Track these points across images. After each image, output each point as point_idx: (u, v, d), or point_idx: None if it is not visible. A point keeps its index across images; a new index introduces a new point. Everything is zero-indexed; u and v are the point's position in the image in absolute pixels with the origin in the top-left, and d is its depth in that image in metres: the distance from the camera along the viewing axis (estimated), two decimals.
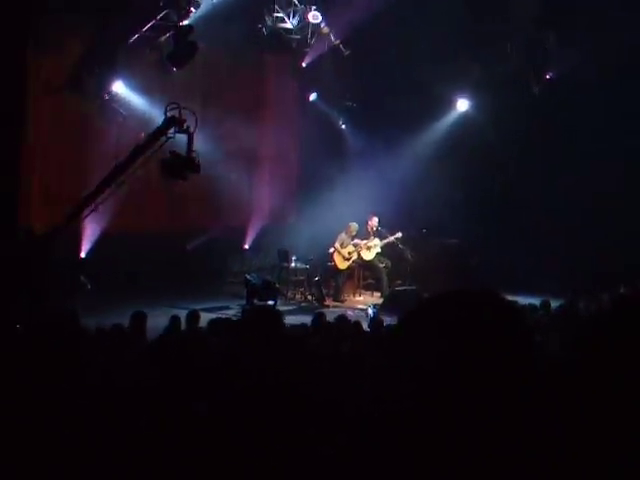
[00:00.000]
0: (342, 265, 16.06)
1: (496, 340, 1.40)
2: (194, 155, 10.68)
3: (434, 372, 1.38)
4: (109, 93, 15.40)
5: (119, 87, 15.49)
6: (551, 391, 1.42)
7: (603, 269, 14.10)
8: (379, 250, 16.19)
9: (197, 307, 9.95)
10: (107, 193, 11.12)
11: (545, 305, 10.88)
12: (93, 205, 11.21)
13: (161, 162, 10.86)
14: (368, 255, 16.16)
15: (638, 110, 14.86)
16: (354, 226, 16.07)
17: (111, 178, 11.12)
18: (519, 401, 1.37)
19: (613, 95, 14.92)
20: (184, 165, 10.72)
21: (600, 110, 15.37)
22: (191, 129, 10.54)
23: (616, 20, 14.57)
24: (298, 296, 16.19)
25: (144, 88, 15.84)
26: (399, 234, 16.07)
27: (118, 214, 14.47)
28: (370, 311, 12.97)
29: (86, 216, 11.80)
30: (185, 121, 10.56)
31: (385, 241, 16.11)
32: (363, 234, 16.15)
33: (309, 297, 16.05)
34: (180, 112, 10.61)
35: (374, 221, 16.14)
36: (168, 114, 10.64)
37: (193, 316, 8.85)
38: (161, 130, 10.74)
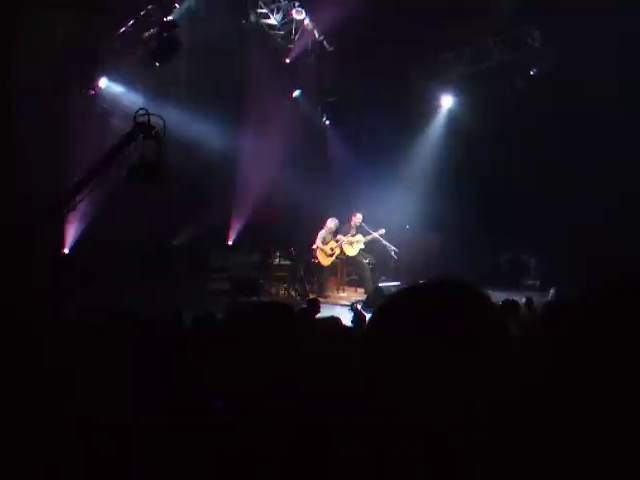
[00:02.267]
0: (325, 261, 16.08)
1: (466, 327, 1.42)
2: (163, 161, 10.71)
3: (407, 361, 1.40)
4: (93, 89, 15.35)
5: (103, 83, 15.44)
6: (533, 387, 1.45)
7: (593, 265, 14.13)
8: (362, 246, 16.22)
9: (180, 304, 9.92)
10: (79, 197, 11.11)
11: (529, 302, 10.92)
12: (66, 208, 11.21)
13: (127, 167, 10.84)
14: (351, 251, 16.19)
15: (624, 103, 14.92)
16: (333, 222, 16.10)
17: (83, 183, 11.10)
18: (490, 389, 1.40)
19: (599, 89, 14.96)
20: (151, 171, 10.69)
21: (587, 104, 15.44)
22: (160, 135, 10.60)
23: (599, 16, 14.62)
24: (282, 292, 16.22)
25: (128, 83, 15.81)
26: (382, 230, 16.10)
27: (100, 210, 14.43)
28: (353, 307, 13.00)
29: (62, 217, 11.79)
30: (153, 128, 10.63)
31: (368, 237, 16.14)
32: (346, 230, 16.18)
33: (292, 293, 16.08)
34: (149, 118, 10.70)
35: (358, 217, 16.16)
36: (137, 120, 10.72)
37: (176, 314, 8.83)
38: (129, 137, 10.75)
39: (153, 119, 10.85)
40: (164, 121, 10.66)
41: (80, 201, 11.27)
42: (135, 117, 10.81)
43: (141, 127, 10.67)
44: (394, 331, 1.46)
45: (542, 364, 1.43)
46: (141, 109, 10.89)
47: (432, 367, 1.39)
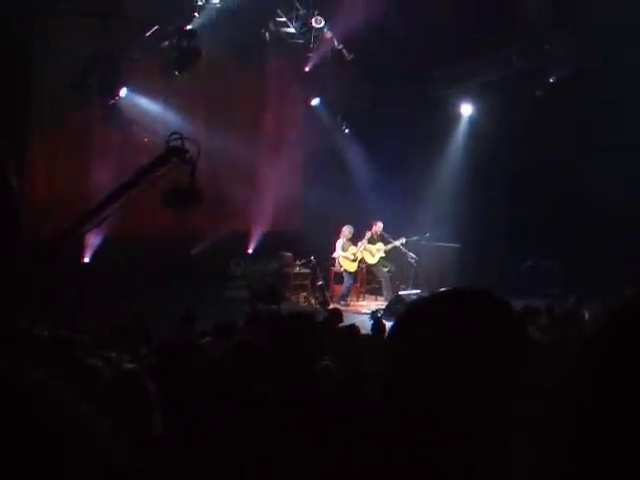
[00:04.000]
0: (351, 267, 16.12)
1: (488, 335, 1.41)
2: (196, 186, 10.46)
3: (428, 369, 1.40)
4: (113, 98, 15.44)
5: (123, 92, 15.53)
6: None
7: (610, 272, 14.03)
8: (383, 255, 16.24)
9: (200, 312, 9.94)
10: (104, 215, 11.04)
11: (549, 310, 10.85)
12: (91, 224, 11.16)
13: (162, 194, 10.70)
14: (372, 259, 16.20)
15: None
16: (347, 229, 16.13)
17: (109, 201, 11.05)
18: (509, 396, 1.39)
19: (617, 96, 14.86)
20: (186, 197, 10.56)
21: (607, 109, 15.35)
22: (194, 159, 10.26)
23: (619, 22, 14.54)
24: (302, 300, 16.23)
25: (148, 93, 15.90)
26: (403, 240, 16.11)
27: (121, 219, 14.50)
28: (374, 315, 12.97)
29: (84, 233, 11.75)
30: (187, 151, 10.29)
31: (389, 246, 16.16)
32: (362, 238, 16.23)
33: (312, 301, 16.07)
34: (183, 142, 10.36)
35: (378, 226, 16.19)
36: (170, 144, 10.39)
37: (187, 317, 8.83)
38: (161, 159, 10.56)
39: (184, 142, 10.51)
40: (199, 146, 10.25)
41: (100, 223, 11.18)
42: (168, 141, 10.42)
43: (174, 151, 10.36)
44: (415, 338, 1.45)
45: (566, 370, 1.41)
46: (174, 133, 10.50)
47: (453, 373, 1.38)
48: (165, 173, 10.58)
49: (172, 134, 10.48)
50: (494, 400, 1.38)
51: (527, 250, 16.88)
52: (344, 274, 16.20)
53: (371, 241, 16.27)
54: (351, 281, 16.26)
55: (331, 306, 15.43)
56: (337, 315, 10.28)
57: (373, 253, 16.18)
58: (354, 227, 16.26)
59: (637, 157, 14.80)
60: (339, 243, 16.13)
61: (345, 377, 4.58)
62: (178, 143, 10.37)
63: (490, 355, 1.39)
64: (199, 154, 10.21)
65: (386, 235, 16.21)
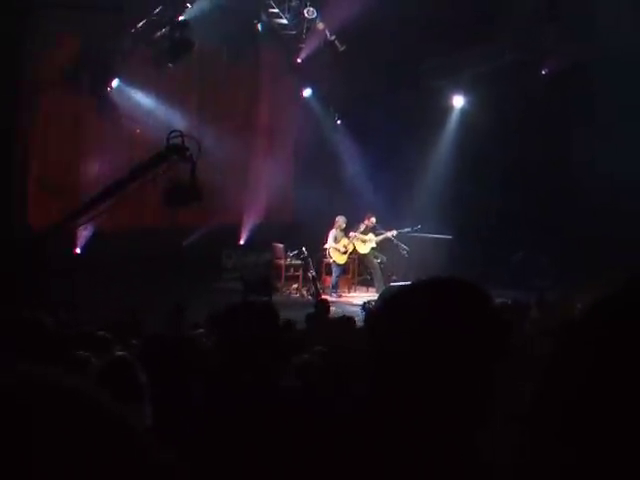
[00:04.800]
0: (341, 259, 16.15)
1: (468, 325, 1.44)
2: (197, 183, 10.41)
3: (411, 359, 1.42)
4: (105, 89, 15.39)
5: (115, 83, 15.48)
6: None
7: (601, 265, 14.04)
8: (374, 245, 16.27)
9: (192, 303, 9.96)
10: (99, 210, 11.01)
11: (539, 302, 10.87)
12: (86, 218, 11.12)
13: (163, 192, 10.63)
14: (363, 249, 16.25)
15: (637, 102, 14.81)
16: (341, 219, 16.15)
17: (104, 196, 11.02)
18: (491, 387, 1.41)
19: (611, 88, 14.86)
20: (186, 195, 10.54)
21: (602, 102, 15.37)
22: (194, 157, 10.16)
23: (612, 14, 14.56)
24: (293, 292, 16.27)
25: (140, 84, 15.85)
26: (394, 232, 16.14)
27: (113, 210, 14.47)
28: (365, 307, 12.99)
29: (78, 227, 11.70)
30: (188, 149, 10.19)
31: (380, 237, 16.19)
32: (356, 229, 16.24)
33: (304, 293, 16.11)
34: (183, 140, 10.26)
35: (371, 221, 16.24)
36: (170, 142, 10.28)
37: (177, 309, 8.83)
38: (161, 157, 10.48)
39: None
40: (199, 144, 10.21)
41: (94, 218, 11.15)
42: (168, 139, 10.31)
43: (174, 149, 10.24)
44: (398, 329, 1.48)
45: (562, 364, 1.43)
46: (175, 131, 10.40)
47: (435, 362, 1.41)
48: (164, 171, 10.54)
49: (172, 132, 10.36)
50: (476, 389, 1.41)
51: (518, 242, 16.91)
52: (333, 265, 16.22)
53: (364, 232, 16.31)
54: (339, 272, 16.29)
55: (322, 297, 15.50)
56: (324, 306, 10.30)
57: (365, 241, 16.22)
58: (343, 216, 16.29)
59: (630, 151, 14.83)
60: (331, 234, 16.14)
61: (330, 369, 4.60)
62: (178, 141, 10.25)
63: (470, 344, 1.42)
64: (200, 152, 10.12)
65: (379, 227, 16.25)
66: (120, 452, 0.74)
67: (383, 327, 1.51)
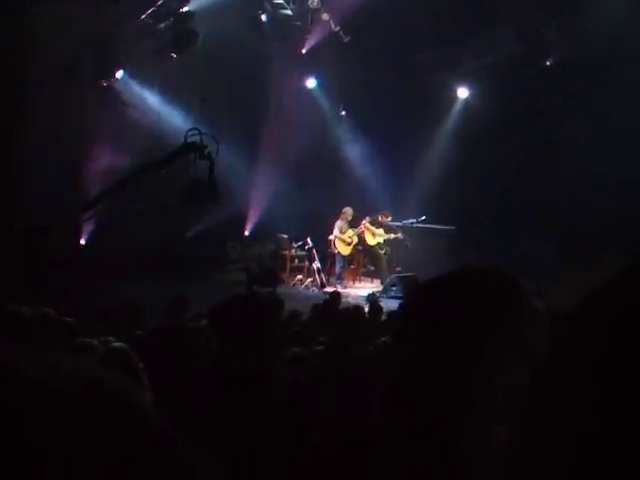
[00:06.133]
0: (345, 251, 16.17)
1: (502, 312, 1.42)
2: (216, 183, 10.21)
3: (441, 347, 1.41)
4: (108, 80, 15.38)
5: (118, 74, 15.47)
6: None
7: (603, 254, 14.00)
8: (381, 240, 16.33)
9: (197, 294, 9.94)
10: (106, 204, 10.96)
11: (540, 290, 10.86)
12: (90, 213, 11.07)
13: (181, 192, 10.42)
14: (371, 240, 16.29)
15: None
16: (349, 211, 16.17)
17: (114, 191, 10.95)
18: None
19: (613, 80, 14.82)
20: (206, 195, 10.30)
21: (601, 96, 15.31)
22: (213, 155, 9.95)
23: (618, 6, 14.49)
24: (298, 283, 16.27)
25: (144, 75, 15.83)
26: (400, 235, 16.25)
27: (117, 200, 14.48)
28: (370, 298, 13.01)
29: (84, 221, 11.66)
30: (206, 147, 9.94)
31: (391, 235, 16.25)
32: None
33: (309, 284, 16.12)
34: (201, 138, 10.04)
35: (386, 219, 16.37)
36: (188, 139, 10.06)
37: (181, 302, 8.81)
38: (177, 154, 10.33)
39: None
40: (217, 142, 9.98)
41: (98, 213, 11.10)
42: (185, 137, 10.08)
43: (193, 147, 10.00)
44: (429, 316, 1.46)
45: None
46: (193, 129, 10.17)
47: (464, 349, 1.39)
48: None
49: (190, 130, 10.15)
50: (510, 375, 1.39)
51: (521, 232, 16.88)
52: (337, 256, 16.22)
53: (376, 225, 16.35)
54: (342, 263, 16.31)
55: (327, 288, 15.51)
56: (335, 298, 10.41)
57: (374, 235, 16.27)
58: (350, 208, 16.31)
59: (631, 141, 14.80)
60: (337, 224, 16.16)
61: (333, 360, 4.60)
62: (196, 139, 10.04)
63: (505, 329, 1.40)
64: (218, 151, 9.93)
65: (392, 224, 16.34)
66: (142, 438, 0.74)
67: (424, 319, 1.49)
